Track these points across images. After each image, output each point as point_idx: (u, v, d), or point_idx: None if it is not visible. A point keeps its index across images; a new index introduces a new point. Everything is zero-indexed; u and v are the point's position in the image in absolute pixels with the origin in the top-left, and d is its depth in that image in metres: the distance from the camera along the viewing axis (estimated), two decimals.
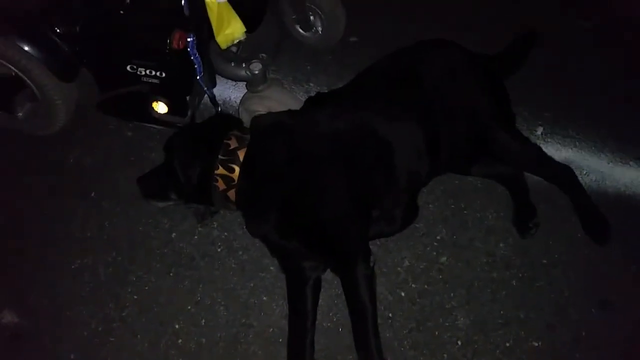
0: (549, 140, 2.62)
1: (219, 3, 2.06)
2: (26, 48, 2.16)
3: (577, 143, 2.62)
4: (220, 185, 1.89)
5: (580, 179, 2.27)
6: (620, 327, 2.14)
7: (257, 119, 2.02)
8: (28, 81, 2.26)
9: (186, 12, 2.04)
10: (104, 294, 2.19)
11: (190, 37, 2.05)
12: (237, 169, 1.87)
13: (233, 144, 1.89)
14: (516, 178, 2.36)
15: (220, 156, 1.87)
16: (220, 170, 1.88)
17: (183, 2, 2.01)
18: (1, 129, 2.54)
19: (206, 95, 2.33)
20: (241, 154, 1.88)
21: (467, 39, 2.36)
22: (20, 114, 2.46)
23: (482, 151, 2.19)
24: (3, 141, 2.56)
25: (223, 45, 2.19)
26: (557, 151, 2.57)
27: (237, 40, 2.21)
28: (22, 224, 2.36)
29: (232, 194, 1.90)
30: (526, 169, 2.32)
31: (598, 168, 2.56)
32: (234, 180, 1.88)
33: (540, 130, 2.64)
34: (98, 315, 2.14)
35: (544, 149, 2.24)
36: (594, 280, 2.23)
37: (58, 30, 2.18)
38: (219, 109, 2.40)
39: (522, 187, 2.34)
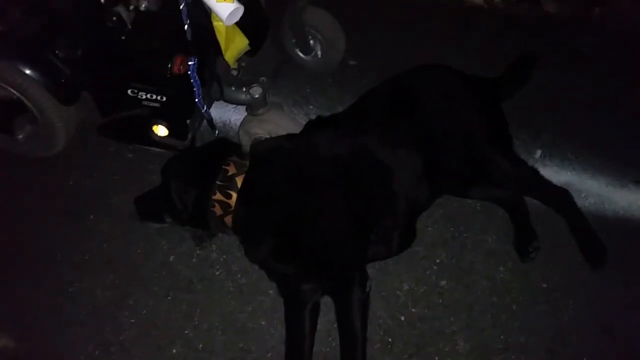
0: (547, 163, 2.62)
1: (226, 26, 2.08)
2: (27, 71, 2.18)
3: (575, 166, 2.63)
4: (217, 210, 1.89)
5: (578, 202, 2.27)
6: (620, 351, 2.13)
7: (256, 146, 2.03)
8: (29, 104, 2.27)
9: (188, 36, 2.06)
10: (102, 317, 2.17)
11: (191, 61, 2.07)
12: (234, 195, 1.87)
13: (231, 170, 1.89)
14: (516, 201, 2.35)
15: (218, 182, 1.87)
16: (218, 196, 1.87)
17: (186, 26, 2.03)
18: (1, 151, 2.54)
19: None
20: (239, 181, 1.88)
21: (466, 62, 2.38)
22: (20, 136, 2.46)
23: (479, 174, 2.19)
24: (2, 163, 2.56)
25: (231, 61, 2.21)
26: (555, 174, 2.57)
27: (243, 53, 2.22)
28: (21, 246, 2.35)
29: (228, 219, 1.90)
30: (523, 192, 2.31)
31: (597, 191, 2.56)
32: (230, 207, 1.88)
33: (538, 153, 2.65)
34: (95, 339, 2.12)
35: (543, 172, 2.25)
36: (594, 305, 2.22)
37: (59, 54, 2.20)
38: (217, 132, 2.41)
39: (522, 211, 2.33)
